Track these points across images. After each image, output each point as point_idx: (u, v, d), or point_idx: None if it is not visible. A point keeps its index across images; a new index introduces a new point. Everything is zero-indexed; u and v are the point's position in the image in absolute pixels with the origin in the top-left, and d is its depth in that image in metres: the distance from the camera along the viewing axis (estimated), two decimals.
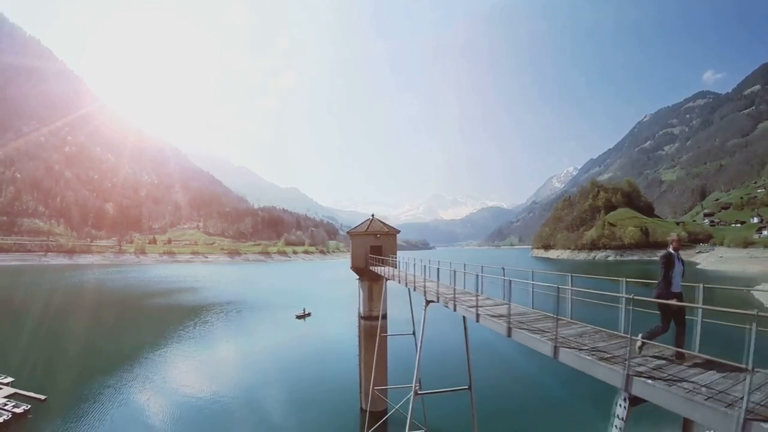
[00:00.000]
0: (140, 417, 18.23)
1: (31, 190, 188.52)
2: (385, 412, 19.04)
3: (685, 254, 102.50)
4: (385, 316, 20.56)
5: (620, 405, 5.47)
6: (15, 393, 18.88)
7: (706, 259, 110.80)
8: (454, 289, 11.09)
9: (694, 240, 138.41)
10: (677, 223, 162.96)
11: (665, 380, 5.01)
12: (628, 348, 5.32)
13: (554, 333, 6.76)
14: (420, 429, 16.70)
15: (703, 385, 4.77)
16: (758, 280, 64.03)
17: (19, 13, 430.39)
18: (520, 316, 8.95)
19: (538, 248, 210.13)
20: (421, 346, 13.60)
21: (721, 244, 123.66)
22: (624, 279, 6.62)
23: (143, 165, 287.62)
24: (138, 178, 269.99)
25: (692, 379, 4.98)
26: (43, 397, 18.61)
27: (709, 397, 4.45)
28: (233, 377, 24.89)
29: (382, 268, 18.61)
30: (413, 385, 12.89)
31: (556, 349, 6.65)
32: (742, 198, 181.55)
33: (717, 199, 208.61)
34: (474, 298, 10.06)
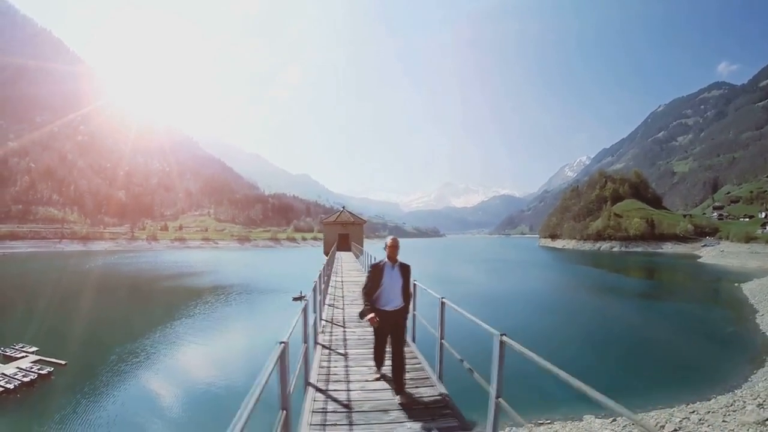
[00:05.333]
0: (146, 377, 20.77)
1: (45, 179, 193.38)
2: None
3: (690, 247, 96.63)
4: None
5: None
6: (39, 359, 21.58)
7: (709, 253, 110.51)
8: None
9: (700, 233, 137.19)
10: (684, 216, 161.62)
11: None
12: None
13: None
14: None
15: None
16: (751, 276, 64.38)
17: (29, 5, 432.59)
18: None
19: (545, 237, 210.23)
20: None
21: (727, 239, 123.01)
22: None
23: (155, 153, 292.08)
24: (149, 166, 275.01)
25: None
26: (63, 362, 21.25)
27: None
28: (226, 348, 27.36)
29: (341, 253, 21.23)
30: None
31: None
32: (752, 192, 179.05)
33: (728, 192, 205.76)
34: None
